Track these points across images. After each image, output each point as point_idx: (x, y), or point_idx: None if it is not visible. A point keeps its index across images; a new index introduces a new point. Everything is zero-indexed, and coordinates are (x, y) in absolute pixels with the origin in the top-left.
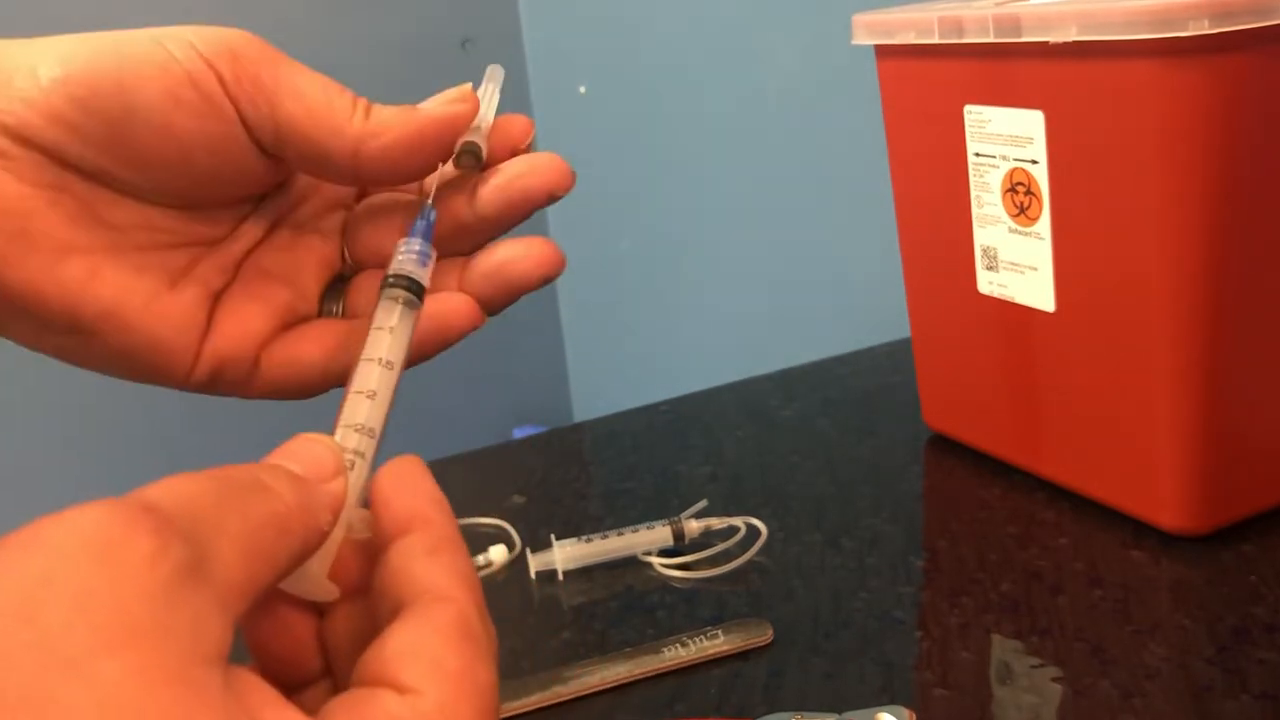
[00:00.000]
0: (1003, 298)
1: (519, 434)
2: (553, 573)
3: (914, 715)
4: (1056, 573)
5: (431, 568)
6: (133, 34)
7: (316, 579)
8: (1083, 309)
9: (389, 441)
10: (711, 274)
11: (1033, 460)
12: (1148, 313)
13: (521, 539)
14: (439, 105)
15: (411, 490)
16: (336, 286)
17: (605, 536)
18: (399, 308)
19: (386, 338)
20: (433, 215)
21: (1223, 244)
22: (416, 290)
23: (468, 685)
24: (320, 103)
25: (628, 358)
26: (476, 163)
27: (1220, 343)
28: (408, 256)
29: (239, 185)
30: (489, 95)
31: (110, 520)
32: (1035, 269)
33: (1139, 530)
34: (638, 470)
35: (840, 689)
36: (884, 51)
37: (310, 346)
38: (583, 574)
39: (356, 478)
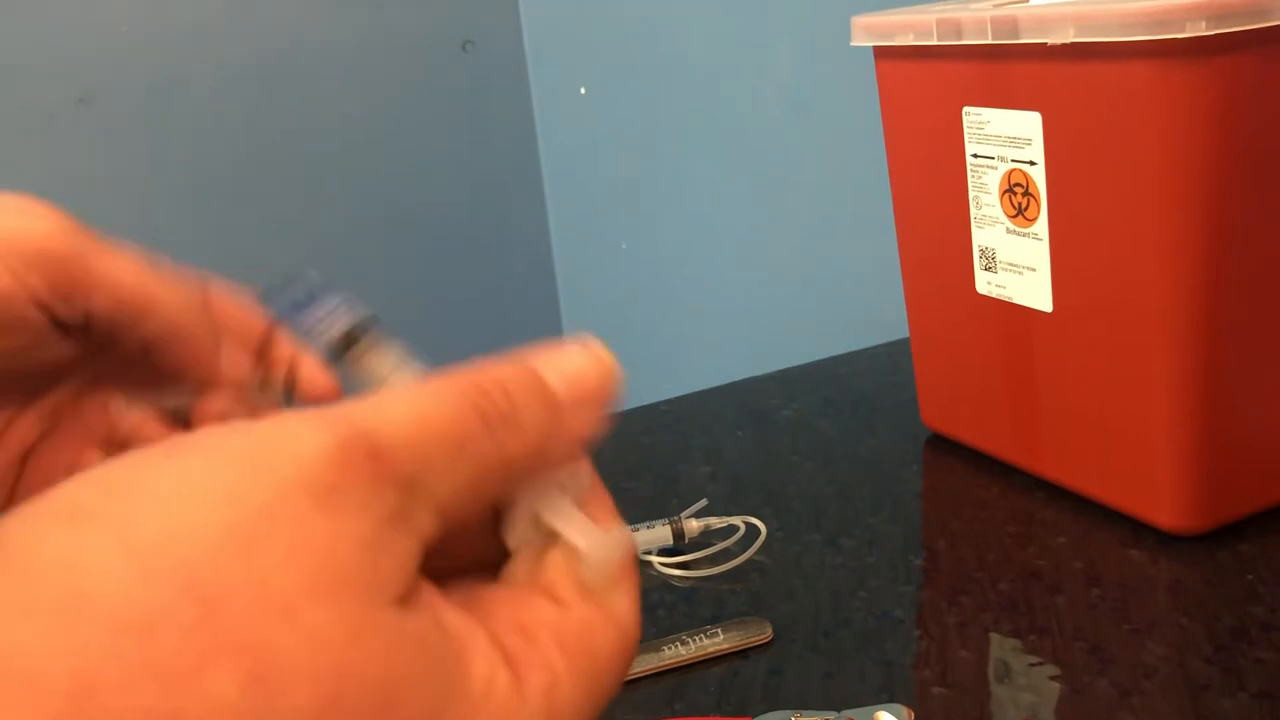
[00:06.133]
0: (1001, 298)
1: None
2: None
3: (913, 714)
4: (1055, 572)
5: (596, 505)
6: None
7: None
8: (1081, 309)
9: None
10: (711, 274)
11: (1031, 460)
12: (1145, 313)
13: None
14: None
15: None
16: None
17: None
18: (396, 349)
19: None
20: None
21: (1220, 245)
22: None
23: (619, 615)
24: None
25: (628, 357)
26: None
27: (1218, 343)
28: (340, 314)
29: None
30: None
31: (334, 462)
32: (1033, 269)
33: (1137, 529)
34: (638, 470)
35: (839, 687)
36: (883, 53)
37: None
38: None
39: None
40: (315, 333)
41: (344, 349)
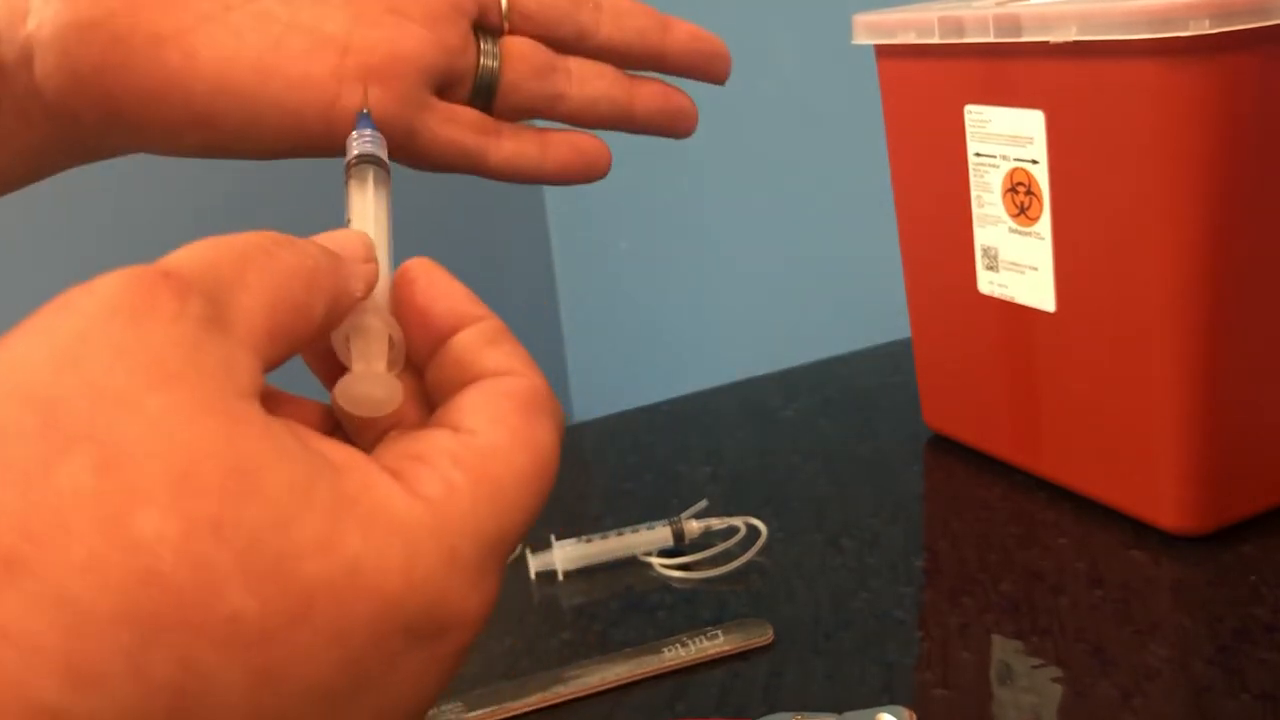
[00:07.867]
0: (1003, 298)
1: None
2: (553, 573)
3: (914, 715)
4: (1057, 573)
5: (497, 354)
6: None
7: (382, 377)
8: (1083, 309)
9: None
10: (711, 274)
11: (1033, 460)
12: (1148, 313)
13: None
14: None
15: (447, 292)
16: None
17: (605, 537)
18: (370, 181)
19: (371, 211)
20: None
21: (1223, 244)
22: (383, 165)
23: (524, 437)
24: None
25: (628, 358)
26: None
27: (1221, 342)
28: (362, 142)
29: None
30: None
31: (133, 286)
32: (1035, 269)
33: (1140, 530)
34: (638, 470)
35: (840, 689)
36: (884, 51)
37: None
38: (583, 574)
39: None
40: (347, 149)
41: (346, 169)
